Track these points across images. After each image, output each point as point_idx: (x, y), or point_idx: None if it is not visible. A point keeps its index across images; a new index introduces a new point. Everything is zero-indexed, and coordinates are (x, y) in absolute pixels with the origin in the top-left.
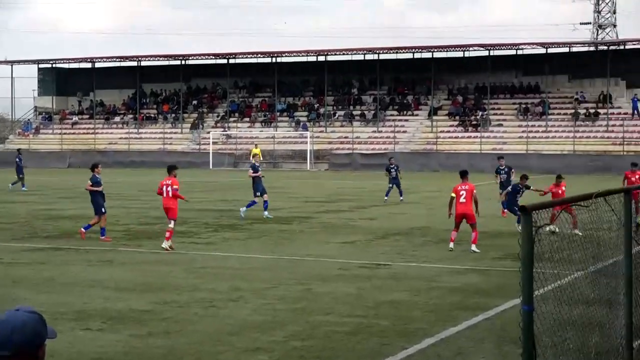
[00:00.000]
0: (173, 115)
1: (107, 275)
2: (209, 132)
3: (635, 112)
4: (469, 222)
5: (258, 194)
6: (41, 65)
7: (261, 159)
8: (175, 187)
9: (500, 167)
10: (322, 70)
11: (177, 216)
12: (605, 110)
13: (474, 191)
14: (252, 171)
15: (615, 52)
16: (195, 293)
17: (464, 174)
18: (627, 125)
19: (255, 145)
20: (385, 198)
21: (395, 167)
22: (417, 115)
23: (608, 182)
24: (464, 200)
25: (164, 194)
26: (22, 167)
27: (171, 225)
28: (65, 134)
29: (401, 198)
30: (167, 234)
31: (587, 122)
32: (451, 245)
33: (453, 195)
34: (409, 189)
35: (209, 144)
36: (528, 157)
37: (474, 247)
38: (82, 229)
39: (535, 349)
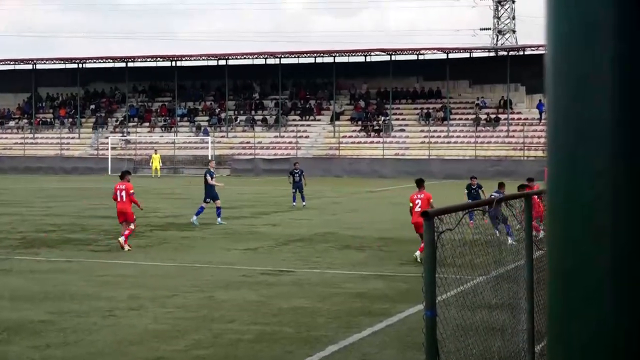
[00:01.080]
0: (70, 120)
1: (1, 285)
2: (107, 137)
3: (540, 117)
4: (418, 232)
5: (208, 199)
6: None
7: (160, 164)
8: (131, 191)
9: (472, 186)
10: (223, 74)
11: (133, 218)
12: (505, 116)
13: (431, 200)
14: (210, 178)
15: (514, 57)
16: (94, 302)
17: (420, 183)
18: (527, 131)
19: (155, 150)
20: (293, 203)
21: (300, 172)
22: (319, 120)
23: (508, 188)
24: (420, 210)
25: (119, 199)
26: None
27: (132, 226)
28: None
29: (304, 203)
30: (127, 232)
31: (488, 128)
32: (418, 254)
33: (411, 204)
34: (311, 195)
35: (107, 149)
36: (430, 163)
37: (417, 254)
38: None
39: (439, 355)
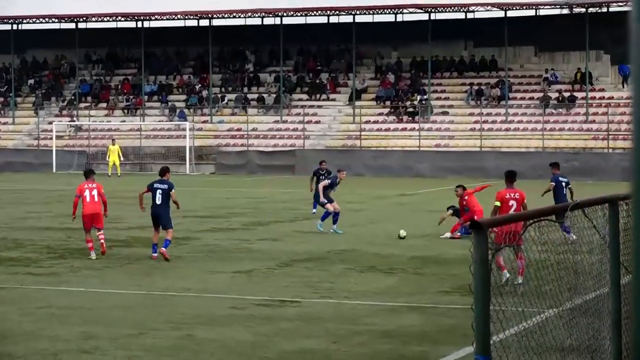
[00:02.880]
0: (1, 99)
1: None
2: (51, 123)
3: (624, 84)
4: (518, 243)
5: (325, 201)
6: None
7: (121, 159)
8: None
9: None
10: (205, 39)
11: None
12: (583, 94)
13: (525, 201)
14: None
15: (595, 16)
16: (34, 342)
17: (511, 177)
18: (613, 114)
19: (113, 140)
20: (313, 211)
21: (326, 174)
22: (333, 99)
23: (590, 190)
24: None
25: (88, 199)
26: None
27: (102, 233)
28: None
29: (314, 211)
30: (102, 241)
31: (560, 110)
32: (505, 273)
33: (497, 203)
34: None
35: (51, 138)
36: (482, 157)
37: (519, 279)
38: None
39: None
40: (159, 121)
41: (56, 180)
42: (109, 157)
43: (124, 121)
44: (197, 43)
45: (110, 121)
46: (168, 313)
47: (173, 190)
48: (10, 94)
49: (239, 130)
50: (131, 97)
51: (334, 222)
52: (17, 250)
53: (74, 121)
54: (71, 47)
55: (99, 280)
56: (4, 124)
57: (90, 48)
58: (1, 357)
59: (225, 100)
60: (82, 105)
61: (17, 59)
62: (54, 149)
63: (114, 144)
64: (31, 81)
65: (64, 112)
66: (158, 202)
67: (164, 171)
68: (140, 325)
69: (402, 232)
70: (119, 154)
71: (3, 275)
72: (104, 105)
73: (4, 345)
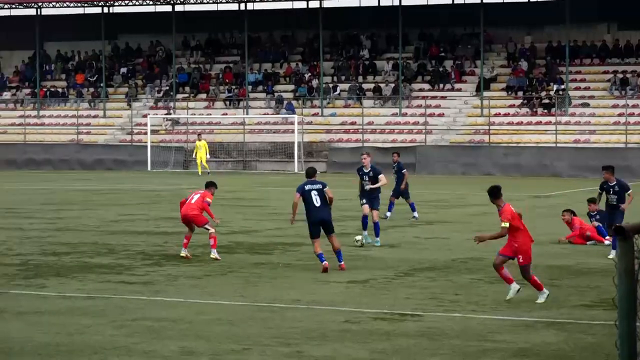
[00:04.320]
0: (92, 90)
1: None
2: (145, 116)
3: None
4: None
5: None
6: None
7: (208, 156)
8: (208, 199)
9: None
10: (315, 21)
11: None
12: None
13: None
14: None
15: None
16: (127, 358)
17: (499, 192)
18: None
19: (199, 135)
20: (387, 214)
21: (397, 167)
22: (459, 90)
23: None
24: None
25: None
26: None
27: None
28: None
29: (414, 215)
30: (212, 242)
31: None
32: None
33: (506, 224)
34: (447, 202)
35: (145, 133)
36: (628, 154)
37: (360, 237)
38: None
39: None
40: (264, 114)
41: (151, 179)
42: (195, 155)
43: (226, 114)
44: (307, 27)
45: (210, 114)
46: (275, 327)
47: (327, 187)
48: (101, 84)
49: (352, 124)
50: (233, 87)
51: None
52: (109, 256)
53: (171, 114)
54: (167, 32)
55: (199, 290)
56: (94, 117)
57: (189, 33)
58: None
59: (338, 91)
60: (179, 96)
61: (108, 46)
62: (148, 144)
63: (200, 140)
64: (124, 70)
65: (160, 104)
66: (317, 204)
67: (313, 172)
68: (245, 340)
69: (358, 237)
70: (206, 151)
71: (93, 284)
72: (204, 96)
73: None
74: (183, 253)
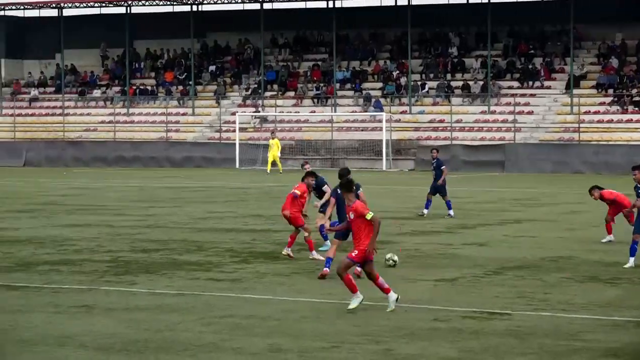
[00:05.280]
0: (180, 87)
1: (83, 328)
2: (234, 114)
3: None
4: None
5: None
6: None
7: (279, 154)
8: (295, 192)
9: None
10: (403, 20)
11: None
12: None
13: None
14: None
15: None
16: (216, 355)
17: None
18: None
19: (273, 133)
20: (424, 211)
21: (437, 163)
22: (548, 87)
23: None
24: None
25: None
26: None
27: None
28: (20, 115)
29: (450, 213)
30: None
31: None
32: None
33: None
34: (535, 199)
35: (234, 130)
36: None
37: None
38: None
39: None
40: (352, 112)
41: (240, 177)
42: (268, 153)
43: (314, 112)
44: (395, 25)
45: (298, 112)
46: (364, 325)
47: (361, 190)
48: (190, 82)
49: (441, 121)
50: (321, 85)
51: None
52: (198, 253)
53: (259, 112)
54: (256, 30)
55: (287, 287)
56: (183, 114)
57: (277, 31)
58: None
59: (426, 89)
60: (267, 94)
61: (197, 44)
62: (237, 142)
63: (273, 138)
64: (212, 68)
65: (248, 101)
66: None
67: (347, 173)
68: (333, 337)
69: (390, 256)
70: (279, 149)
71: (183, 281)
72: (292, 94)
73: (183, 357)
74: (285, 252)
